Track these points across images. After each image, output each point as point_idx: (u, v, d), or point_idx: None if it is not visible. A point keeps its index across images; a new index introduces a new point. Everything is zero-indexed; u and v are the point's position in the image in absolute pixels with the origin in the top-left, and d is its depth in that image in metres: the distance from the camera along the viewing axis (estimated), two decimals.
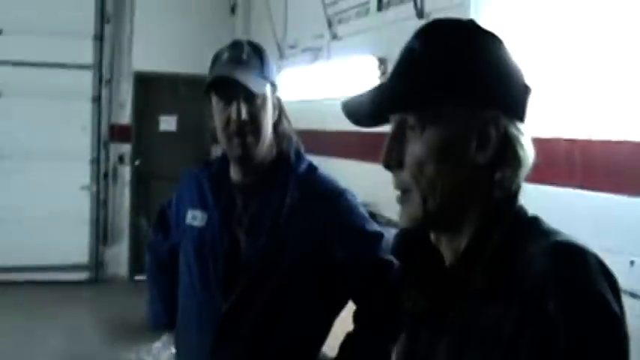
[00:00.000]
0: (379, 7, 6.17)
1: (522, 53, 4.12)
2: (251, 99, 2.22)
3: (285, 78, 7.95)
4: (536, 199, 4.13)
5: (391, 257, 2.24)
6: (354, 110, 1.29)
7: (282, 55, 8.31)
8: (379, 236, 2.28)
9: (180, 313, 2.44)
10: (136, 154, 9.93)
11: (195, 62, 9.70)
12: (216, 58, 2.33)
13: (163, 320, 2.58)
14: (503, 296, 1.15)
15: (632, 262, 3.45)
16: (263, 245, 2.23)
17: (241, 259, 2.25)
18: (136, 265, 9.76)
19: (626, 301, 3.55)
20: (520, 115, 1.25)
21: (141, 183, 9.97)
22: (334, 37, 6.94)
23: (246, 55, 2.28)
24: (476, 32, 1.27)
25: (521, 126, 1.25)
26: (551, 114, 4.09)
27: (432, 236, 1.31)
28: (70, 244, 9.35)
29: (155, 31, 9.55)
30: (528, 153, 1.25)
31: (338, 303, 2.34)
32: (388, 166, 1.26)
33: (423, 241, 1.34)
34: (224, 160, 2.39)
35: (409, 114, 1.23)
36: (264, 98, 2.26)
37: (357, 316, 2.32)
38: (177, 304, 2.45)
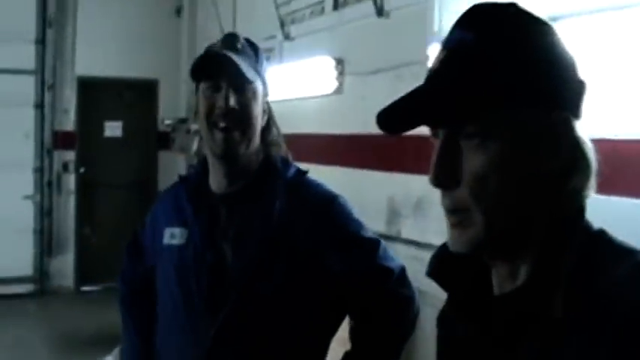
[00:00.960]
0: (335, 6, 6.04)
1: None
2: (242, 88, 2.03)
3: None
4: None
5: (390, 265, 2.11)
6: (394, 118, 1.10)
7: None
8: (376, 243, 2.11)
9: (159, 343, 2.22)
10: (80, 161, 9.63)
11: (140, 66, 9.57)
12: (207, 49, 2.14)
13: (142, 355, 2.33)
14: (588, 326, 0.98)
15: None
16: (252, 258, 2.04)
17: (228, 274, 2.05)
18: (82, 276, 9.52)
19: None
20: (580, 115, 1.10)
21: (86, 191, 9.69)
22: (287, 37, 6.79)
23: (241, 45, 2.10)
24: (530, 20, 1.09)
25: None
26: None
27: (485, 260, 1.14)
28: (13, 255, 9.00)
29: (98, 34, 9.28)
30: (594, 158, 1.09)
31: (335, 319, 2.16)
32: (440, 185, 1.07)
33: (465, 263, 1.17)
34: (202, 169, 2.19)
35: (467, 122, 1.05)
36: (255, 92, 2.07)
37: (354, 334, 2.15)
38: (156, 336, 2.24)
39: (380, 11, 5.26)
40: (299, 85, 6.29)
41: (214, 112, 2.03)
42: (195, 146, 8.30)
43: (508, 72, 1.04)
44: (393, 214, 5.11)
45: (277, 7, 6.86)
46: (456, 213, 1.08)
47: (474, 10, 1.11)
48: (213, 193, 2.14)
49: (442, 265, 1.20)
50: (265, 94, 2.11)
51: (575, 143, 1.07)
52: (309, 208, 2.07)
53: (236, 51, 2.05)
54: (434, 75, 1.10)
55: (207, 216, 2.11)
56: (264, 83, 2.10)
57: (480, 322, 1.13)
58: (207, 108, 2.04)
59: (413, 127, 1.08)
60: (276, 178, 2.10)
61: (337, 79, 5.88)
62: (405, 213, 5.02)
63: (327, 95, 6.00)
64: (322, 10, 6.30)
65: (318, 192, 2.13)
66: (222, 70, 2.03)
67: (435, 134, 1.11)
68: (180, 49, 9.86)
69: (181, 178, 2.30)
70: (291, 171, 2.13)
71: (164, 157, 10.00)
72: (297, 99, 6.23)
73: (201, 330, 2.03)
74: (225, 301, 2.02)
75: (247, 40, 2.13)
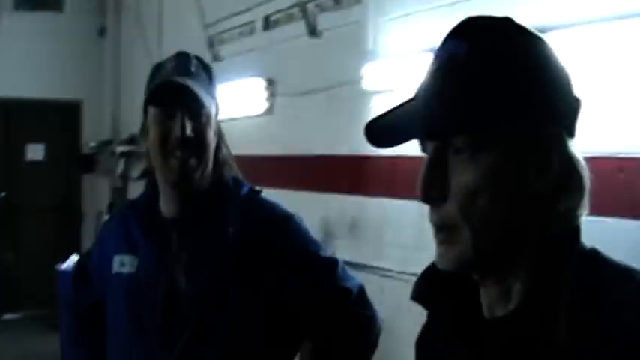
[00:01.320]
0: (266, 27, 6.00)
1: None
2: (197, 115, 1.94)
3: None
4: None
5: (349, 285, 2.05)
6: (382, 132, 1.05)
7: None
8: (334, 263, 2.05)
9: None
10: (1, 185, 9.32)
11: (64, 87, 9.35)
12: (157, 68, 2.02)
13: None
14: (596, 349, 0.94)
15: None
16: (207, 284, 1.96)
17: (182, 302, 1.95)
18: (3, 304, 9.18)
19: None
20: (574, 133, 1.06)
21: (8, 216, 9.38)
22: (216, 58, 6.71)
23: (194, 67, 2.01)
24: (524, 34, 1.06)
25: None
26: None
27: (475, 278, 1.09)
28: None
29: (20, 55, 9.02)
30: (587, 177, 1.06)
31: (294, 341, 2.09)
32: (428, 200, 1.03)
33: (452, 283, 1.12)
34: (151, 193, 2.09)
35: (456, 136, 1.01)
36: (209, 116, 1.98)
37: (313, 356, 2.09)
38: None
39: (312, 31, 5.25)
40: (229, 106, 6.21)
41: (169, 140, 1.93)
42: (120, 169, 8.14)
43: (500, 86, 1.00)
44: (327, 235, 5.07)
45: (205, 27, 6.79)
46: (443, 229, 1.04)
47: (468, 22, 1.07)
48: (164, 217, 2.05)
49: (428, 286, 1.16)
50: (217, 114, 2.03)
51: (567, 160, 1.03)
52: (264, 229, 2.00)
53: (190, 75, 1.96)
54: (424, 88, 1.05)
55: (158, 242, 2.01)
56: (216, 104, 2.02)
57: (470, 345, 1.08)
58: (161, 135, 1.94)
59: (403, 142, 1.04)
60: (228, 199, 2.02)
61: (268, 99, 5.84)
62: (339, 234, 4.99)
63: (258, 116, 5.95)
64: (252, 31, 6.25)
65: (273, 212, 2.06)
66: (178, 97, 1.94)
67: (423, 148, 1.06)
68: (105, 70, 9.68)
69: (130, 203, 2.20)
70: (244, 190, 2.06)
71: (88, 180, 9.78)
72: (227, 119, 6.14)
73: None
74: (181, 331, 1.93)
75: (198, 60, 2.04)
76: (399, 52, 4.43)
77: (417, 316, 1.27)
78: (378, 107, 4.63)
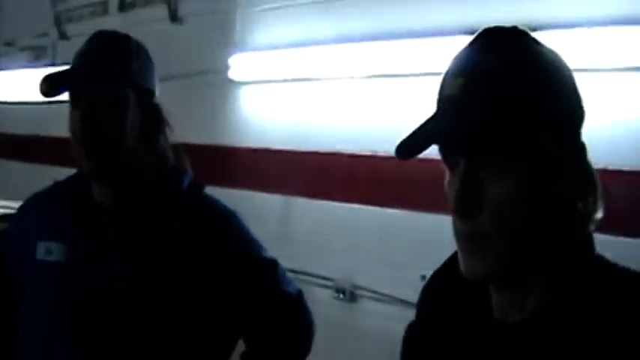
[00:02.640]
0: (121, 7, 5.80)
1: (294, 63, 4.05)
2: (100, 103, 1.80)
3: None
4: (316, 214, 4.06)
5: (289, 289, 2.00)
6: (415, 147, 1.03)
7: None
8: (274, 265, 1.99)
9: None
10: None
11: None
12: (76, 54, 1.89)
13: None
14: (623, 353, 0.97)
15: (423, 277, 3.49)
16: (146, 279, 1.83)
17: (121, 299, 1.82)
18: None
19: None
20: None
21: None
22: (63, 36, 6.42)
23: (102, 48, 1.86)
24: (543, 47, 1.07)
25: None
26: (332, 129, 4.07)
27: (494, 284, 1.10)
28: None
29: None
30: (600, 183, 1.09)
31: (230, 343, 2.01)
32: (466, 214, 1.03)
33: (460, 287, 1.13)
34: (82, 176, 1.94)
35: (492, 148, 1.02)
36: (121, 104, 1.84)
37: (245, 357, 2.02)
38: None
39: (174, 16, 5.12)
40: None
41: (76, 133, 1.81)
42: None
43: (532, 100, 1.01)
44: None
45: (54, 2, 6.47)
46: (475, 240, 1.04)
47: (491, 35, 1.07)
48: (97, 205, 1.91)
49: (436, 292, 1.18)
50: (144, 99, 1.88)
51: (587, 169, 1.06)
52: (205, 226, 1.89)
53: (93, 60, 1.83)
54: (455, 101, 1.04)
55: (91, 230, 1.88)
56: (139, 87, 1.87)
57: (483, 349, 1.09)
58: (70, 125, 1.82)
59: (443, 146, 1.06)
60: (168, 191, 1.91)
61: None
62: None
63: None
64: (105, 11, 6.02)
65: (214, 208, 1.95)
66: (77, 88, 1.82)
67: (450, 162, 1.06)
68: None
69: (56, 185, 2.02)
70: (185, 183, 1.95)
71: None
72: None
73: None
74: (121, 330, 1.80)
75: (115, 39, 1.90)
76: (267, 44, 4.40)
77: None
78: (246, 98, 4.60)
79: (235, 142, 4.62)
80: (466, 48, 1.08)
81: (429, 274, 3.83)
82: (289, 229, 4.17)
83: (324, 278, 3.90)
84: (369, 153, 3.80)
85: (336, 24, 4.04)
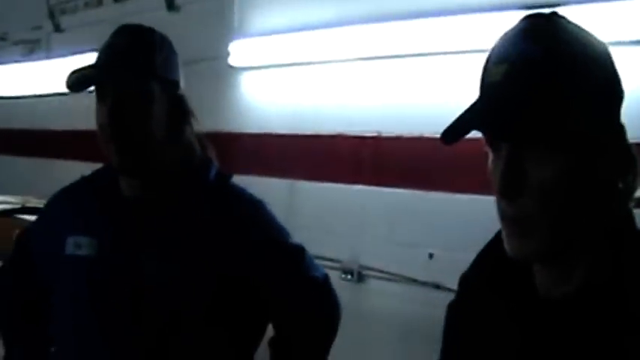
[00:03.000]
0: None
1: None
2: (126, 97, 1.81)
3: None
4: (321, 196, 4.07)
5: (316, 274, 2.02)
6: (461, 131, 1.05)
7: None
8: (302, 251, 1.99)
9: None
10: None
11: None
12: (101, 48, 1.89)
13: None
14: None
15: (430, 255, 3.53)
16: (176, 271, 1.84)
17: (151, 290, 1.83)
18: None
19: (430, 293, 3.61)
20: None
21: None
22: (57, 29, 6.41)
23: (126, 42, 1.86)
24: (584, 33, 1.10)
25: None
26: (334, 112, 4.09)
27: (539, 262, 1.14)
28: None
29: None
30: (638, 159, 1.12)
31: (259, 329, 2.03)
32: (510, 196, 1.06)
33: (505, 267, 1.16)
34: (111, 170, 1.93)
35: (536, 133, 1.05)
36: (148, 96, 1.84)
37: (275, 344, 2.02)
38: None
39: (171, 4, 5.13)
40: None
41: (103, 128, 1.81)
42: None
43: (575, 87, 1.04)
44: None
45: None
46: (519, 222, 1.07)
47: (532, 22, 1.10)
48: (125, 198, 1.91)
49: (481, 273, 1.22)
50: (169, 91, 1.87)
51: (626, 147, 1.09)
52: (232, 215, 1.90)
53: (118, 54, 1.84)
54: (500, 89, 1.06)
55: (121, 224, 1.88)
56: (163, 79, 1.87)
57: (526, 326, 1.12)
58: (97, 120, 1.83)
59: (488, 131, 1.08)
60: (195, 183, 1.91)
61: None
62: None
63: None
64: (100, 2, 6.02)
65: (241, 198, 1.95)
66: (103, 79, 1.81)
67: (494, 146, 1.09)
68: None
69: (83, 179, 2.01)
70: (212, 174, 1.96)
71: None
72: (68, 94, 5.89)
73: (124, 353, 1.81)
74: (152, 322, 1.81)
75: (139, 31, 1.91)
76: (266, 29, 4.42)
77: None
78: (246, 84, 4.62)
79: (238, 128, 4.64)
80: (508, 35, 1.09)
81: (436, 252, 3.88)
82: (295, 212, 4.19)
83: (331, 260, 3.92)
84: (373, 134, 3.83)
85: (334, 7, 4.05)
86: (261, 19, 4.50)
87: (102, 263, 1.85)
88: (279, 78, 4.41)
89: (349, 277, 3.92)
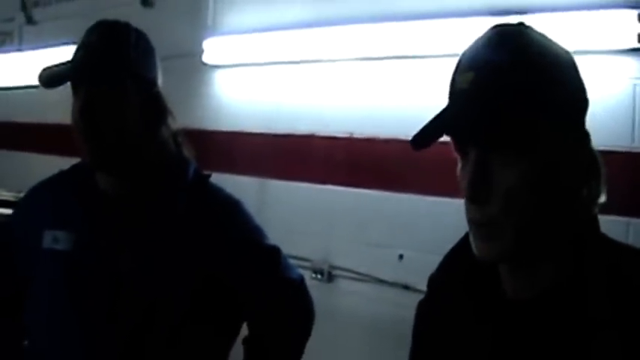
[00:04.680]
0: None
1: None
2: (99, 94, 1.80)
3: None
4: (292, 196, 4.07)
5: (292, 275, 2.02)
6: (428, 138, 1.09)
7: None
8: (277, 252, 2.00)
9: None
10: None
11: None
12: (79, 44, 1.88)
13: None
14: (630, 328, 1.02)
15: (400, 256, 3.55)
16: (153, 267, 1.84)
17: (128, 285, 1.82)
18: None
19: (399, 293, 3.62)
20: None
21: None
22: (29, 21, 6.35)
23: (101, 39, 1.84)
24: (550, 42, 1.13)
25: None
26: (307, 111, 4.09)
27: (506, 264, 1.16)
28: None
29: None
30: (604, 168, 1.16)
31: (234, 330, 2.03)
32: (478, 201, 1.09)
33: (473, 267, 1.19)
34: (88, 165, 1.93)
35: (503, 139, 1.08)
36: (122, 93, 1.83)
37: (249, 343, 2.02)
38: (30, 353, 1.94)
39: (145, 0, 5.10)
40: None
41: (76, 123, 1.81)
42: None
43: (541, 93, 1.06)
44: None
45: None
46: (485, 226, 1.10)
47: (500, 31, 1.12)
48: (103, 192, 1.91)
49: (449, 272, 1.25)
50: (144, 89, 1.87)
51: (591, 154, 1.12)
52: (210, 214, 1.90)
53: (92, 49, 1.81)
54: (467, 95, 1.09)
55: (98, 219, 1.88)
56: (138, 76, 1.86)
57: (495, 326, 1.14)
58: (72, 116, 1.81)
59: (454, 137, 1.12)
60: (173, 179, 1.91)
61: None
62: None
63: None
64: None
65: (219, 197, 1.95)
66: (76, 76, 1.81)
67: (462, 151, 1.11)
68: None
69: (60, 174, 2.00)
70: (190, 172, 1.94)
71: None
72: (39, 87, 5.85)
73: (100, 347, 1.80)
74: (127, 319, 1.80)
75: (114, 27, 1.89)
76: (240, 27, 4.42)
77: None
78: (220, 81, 4.61)
79: (210, 125, 4.62)
80: (476, 44, 1.12)
81: (406, 253, 3.90)
82: (265, 211, 4.18)
83: (301, 259, 3.92)
84: (345, 135, 3.83)
85: (309, 7, 4.06)
86: (236, 16, 4.50)
87: (79, 258, 1.85)
88: (253, 76, 4.41)
89: (319, 276, 3.92)
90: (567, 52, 1.13)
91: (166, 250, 1.86)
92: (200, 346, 1.90)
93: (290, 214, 4.10)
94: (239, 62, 4.43)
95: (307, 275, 4.09)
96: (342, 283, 3.87)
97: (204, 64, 4.58)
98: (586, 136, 1.12)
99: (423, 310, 1.34)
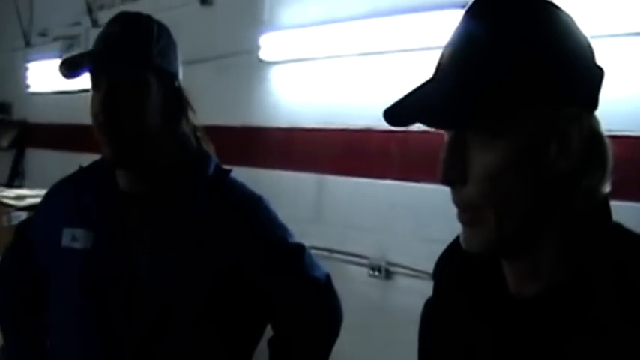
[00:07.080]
0: None
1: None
2: (120, 87, 1.75)
3: (33, 69, 7.34)
4: (350, 191, 4.02)
5: (317, 274, 1.96)
6: (401, 115, 1.01)
7: (28, 44, 7.66)
8: (301, 250, 1.95)
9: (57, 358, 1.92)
10: None
11: None
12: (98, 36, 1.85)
13: None
14: (632, 323, 0.93)
15: None
16: (171, 266, 1.81)
17: (146, 287, 1.79)
18: None
19: None
20: (596, 107, 1.03)
21: None
22: (95, 24, 6.44)
23: (123, 30, 1.80)
24: (540, 6, 1.01)
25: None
26: (364, 105, 4.03)
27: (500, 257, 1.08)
28: None
29: None
30: (610, 152, 1.03)
31: (258, 329, 1.98)
32: (447, 182, 1.02)
33: (474, 262, 1.11)
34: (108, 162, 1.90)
35: (478, 119, 0.98)
36: (143, 87, 1.78)
37: (275, 343, 1.97)
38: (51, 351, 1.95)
39: None
40: None
41: (96, 117, 1.77)
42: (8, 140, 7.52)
43: (521, 68, 0.96)
44: None
45: None
46: (466, 210, 1.03)
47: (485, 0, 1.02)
48: (122, 191, 1.88)
49: (450, 265, 1.17)
50: (165, 82, 1.83)
51: (589, 139, 1.00)
52: (231, 211, 1.85)
53: (114, 42, 1.78)
54: (442, 70, 1.02)
55: (116, 217, 1.85)
56: (160, 70, 1.82)
57: (497, 324, 1.06)
58: (91, 109, 1.78)
59: (422, 123, 1.00)
60: (194, 176, 1.87)
61: None
62: None
63: None
64: None
65: (241, 193, 1.90)
66: (97, 67, 1.78)
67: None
68: None
69: (82, 171, 1.99)
70: (211, 168, 1.90)
71: None
72: None
73: (116, 347, 1.79)
74: (144, 318, 1.78)
75: (137, 20, 1.85)
76: (296, 22, 4.37)
77: None
78: (276, 78, 4.57)
79: (267, 122, 4.60)
80: (464, 14, 1.03)
81: None
82: (323, 207, 4.15)
83: (359, 256, 3.88)
84: (402, 129, 3.75)
85: None
86: (291, 12, 4.45)
87: (97, 256, 1.82)
88: (309, 72, 4.36)
89: (377, 273, 3.85)
90: (567, 24, 1.01)
91: (185, 249, 1.81)
92: (218, 346, 1.86)
93: (347, 210, 4.04)
94: (295, 57, 4.38)
95: (365, 272, 4.06)
96: (400, 280, 3.79)
97: (261, 61, 4.55)
98: (578, 115, 1.00)
99: (428, 309, 1.26)
